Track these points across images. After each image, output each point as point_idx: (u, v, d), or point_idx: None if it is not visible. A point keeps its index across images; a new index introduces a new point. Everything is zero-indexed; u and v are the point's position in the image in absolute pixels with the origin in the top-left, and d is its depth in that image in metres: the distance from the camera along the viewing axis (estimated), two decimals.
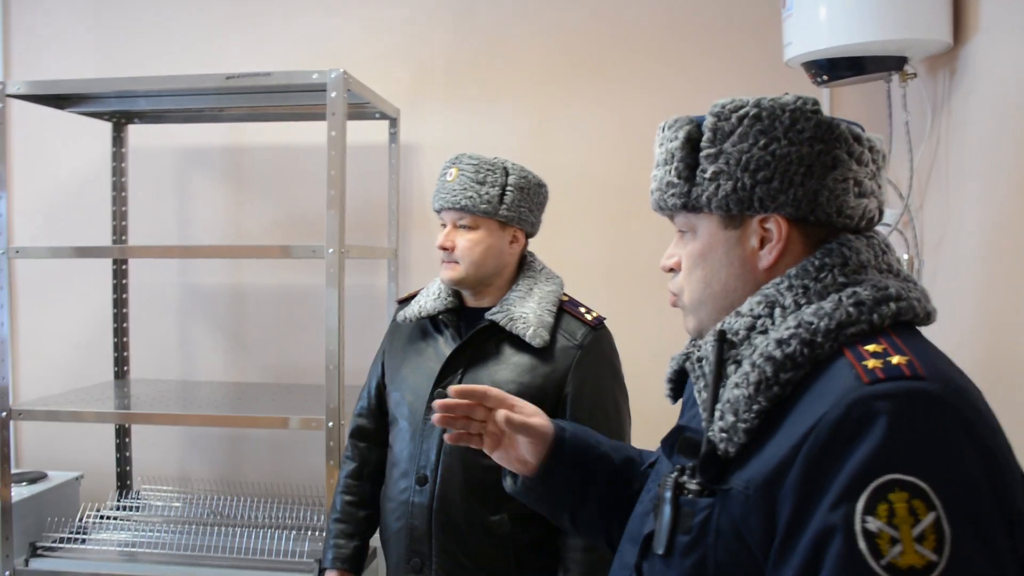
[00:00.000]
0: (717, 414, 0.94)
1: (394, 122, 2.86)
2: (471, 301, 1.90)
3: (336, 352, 2.28)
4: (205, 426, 2.87)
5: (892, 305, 0.92)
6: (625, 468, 1.30)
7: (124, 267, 2.99)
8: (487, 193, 1.80)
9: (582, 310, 1.86)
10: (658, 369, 2.64)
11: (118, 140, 2.97)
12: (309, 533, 2.55)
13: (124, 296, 2.99)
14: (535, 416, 1.28)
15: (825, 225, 0.99)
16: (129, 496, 2.91)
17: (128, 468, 2.98)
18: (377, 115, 2.81)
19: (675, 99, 2.81)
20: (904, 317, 0.92)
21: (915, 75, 2.32)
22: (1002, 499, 0.81)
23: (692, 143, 1.04)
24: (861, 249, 0.97)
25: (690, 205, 1.04)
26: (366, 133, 2.86)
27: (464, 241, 1.82)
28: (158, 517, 2.77)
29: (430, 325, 1.92)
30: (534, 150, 2.80)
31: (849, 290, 0.93)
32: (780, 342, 0.91)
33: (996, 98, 2.02)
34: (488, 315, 1.81)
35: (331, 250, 2.29)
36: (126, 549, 2.56)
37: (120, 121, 2.96)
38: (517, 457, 1.29)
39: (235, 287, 3.04)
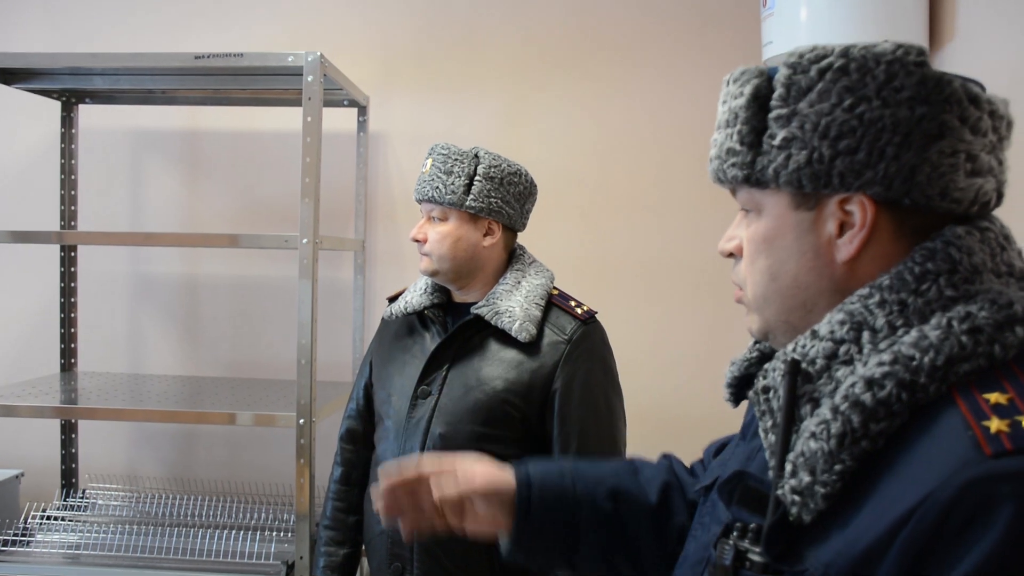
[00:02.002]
0: (789, 467, 0.77)
1: (363, 110, 2.78)
2: (458, 296, 1.84)
3: (309, 346, 2.20)
4: (156, 422, 2.74)
5: (1019, 330, 0.73)
6: (616, 506, 1.13)
7: (73, 254, 2.84)
8: (452, 184, 1.74)
9: (572, 304, 1.81)
10: (639, 366, 2.69)
11: (68, 120, 2.82)
12: (275, 534, 2.46)
13: (72, 285, 2.84)
14: (484, 476, 1.11)
15: (924, 211, 0.78)
16: (75, 495, 2.77)
17: (73, 465, 2.83)
18: (346, 102, 2.73)
19: (650, 95, 2.79)
20: None
21: None
22: None
23: (760, 101, 0.83)
24: (974, 248, 0.76)
25: (754, 178, 0.84)
26: (333, 121, 2.77)
27: (434, 233, 1.77)
28: (106, 517, 2.63)
29: (417, 321, 1.86)
30: (506, 144, 2.74)
31: (960, 309, 0.74)
32: (871, 382, 0.73)
33: None
34: (473, 309, 1.75)
35: (305, 240, 2.20)
36: (73, 551, 2.42)
37: (70, 100, 2.81)
38: (487, 520, 1.13)
39: (189, 278, 2.92)
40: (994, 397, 0.69)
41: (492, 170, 1.76)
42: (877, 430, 0.73)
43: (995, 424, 0.67)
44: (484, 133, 2.79)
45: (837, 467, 0.73)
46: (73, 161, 2.83)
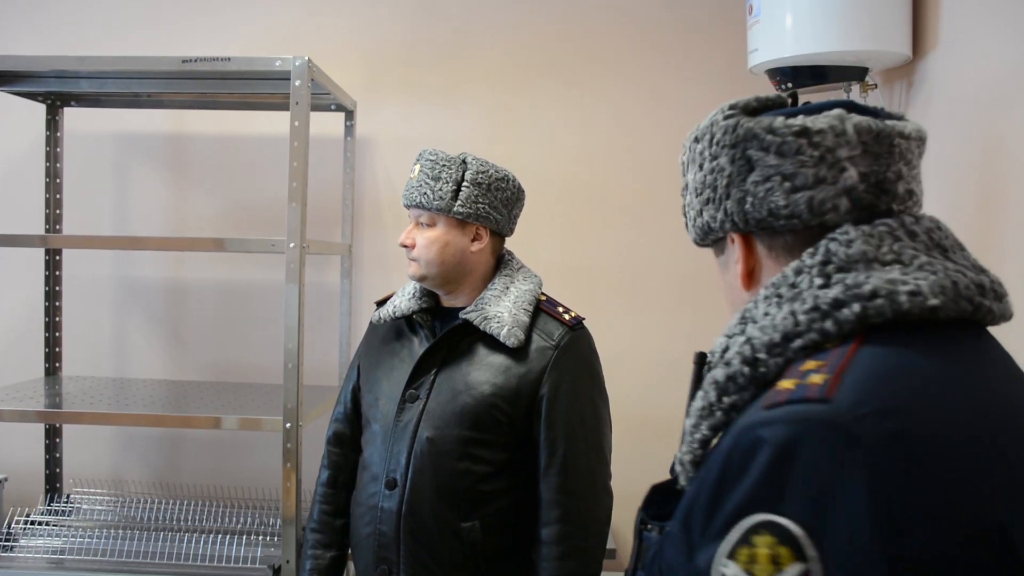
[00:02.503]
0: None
1: (350, 114, 2.79)
2: (446, 301, 1.85)
3: (296, 351, 2.20)
4: (142, 426, 2.73)
5: (855, 307, 0.78)
6: None
7: (58, 258, 2.83)
8: (440, 189, 1.74)
9: (560, 310, 1.82)
10: (625, 371, 2.70)
11: (53, 123, 2.80)
12: (261, 538, 2.45)
13: (57, 289, 2.83)
14: None
15: (779, 232, 0.88)
16: (59, 500, 2.75)
17: (58, 470, 2.82)
18: (333, 107, 2.73)
19: (635, 103, 2.82)
20: (876, 318, 0.77)
21: (875, 86, 2.37)
22: (907, 560, 0.66)
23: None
24: (855, 241, 0.82)
25: (698, 241, 1.03)
26: (321, 125, 2.77)
27: (422, 239, 1.78)
28: (91, 522, 2.62)
29: (405, 326, 1.86)
30: (493, 149, 2.73)
31: (817, 292, 0.81)
32: (727, 362, 0.84)
33: (952, 111, 2.08)
34: (462, 314, 1.76)
35: (292, 245, 2.20)
36: (57, 556, 2.41)
37: (55, 103, 2.80)
38: None
39: (174, 282, 2.91)
40: (811, 364, 0.77)
41: (480, 176, 1.76)
42: (728, 403, 0.83)
43: (787, 383, 0.76)
44: (471, 138, 2.80)
45: (698, 436, 0.85)
46: (58, 164, 2.81)
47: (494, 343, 1.75)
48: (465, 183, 1.75)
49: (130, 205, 2.91)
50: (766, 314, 0.84)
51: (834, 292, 0.79)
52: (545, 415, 1.72)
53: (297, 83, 2.21)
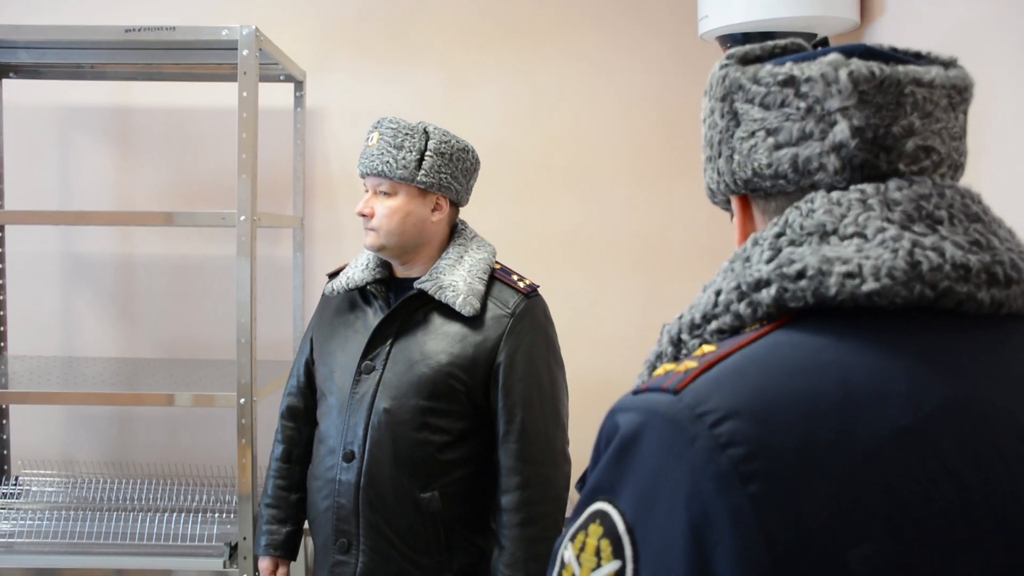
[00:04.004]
0: None
1: (300, 85, 2.74)
2: (400, 271, 1.84)
3: (248, 325, 2.17)
4: (92, 405, 2.68)
5: (773, 288, 0.70)
6: None
7: (0, 234, 2.75)
8: (404, 158, 1.73)
9: (514, 278, 1.83)
10: (580, 338, 2.71)
11: None
12: (217, 516, 2.43)
13: (0, 266, 2.75)
14: None
15: (770, 193, 0.79)
16: (7, 483, 2.70)
17: (5, 452, 2.76)
18: (282, 77, 2.69)
19: (589, 67, 2.81)
20: (792, 303, 0.69)
21: None
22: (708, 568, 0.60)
23: None
24: (816, 210, 0.73)
25: (711, 200, 0.92)
26: (270, 96, 2.72)
27: (382, 208, 1.75)
28: (41, 504, 2.57)
29: (359, 297, 1.84)
30: (447, 118, 2.72)
31: (754, 268, 0.73)
32: (660, 338, 0.80)
33: None
34: (417, 284, 1.75)
35: (243, 218, 2.16)
36: (6, 540, 2.36)
37: None
38: None
39: (123, 257, 2.85)
40: (701, 350, 0.72)
41: (443, 146, 1.76)
42: None
43: (661, 370, 0.71)
44: (422, 108, 2.77)
45: None
46: None
47: (449, 312, 1.75)
48: (428, 152, 1.74)
49: (75, 179, 2.84)
50: (716, 285, 0.77)
51: (765, 270, 0.71)
52: (502, 383, 1.73)
53: (244, 53, 2.16)
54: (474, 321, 1.75)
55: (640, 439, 0.65)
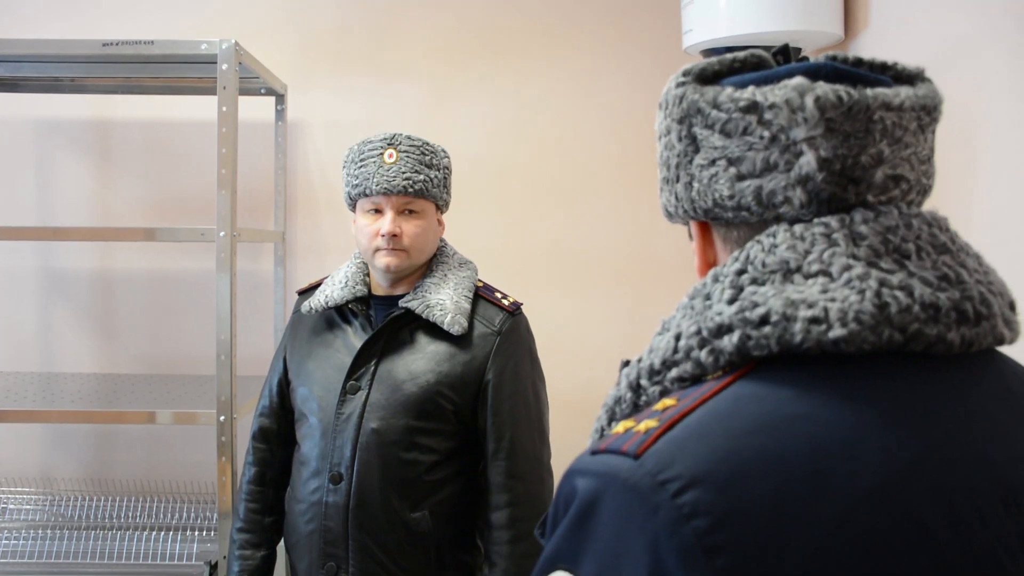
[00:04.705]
0: None
1: (281, 98, 2.72)
2: (381, 289, 1.80)
3: (228, 341, 2.14)
4: (72, 423, 2.64)
5: (735, 335, 0.66)
6: None
7: None
8: (435, 177, 1.73)
9: (498, 295, 1.82)
10: (563, 351, 2.70)
11: None
12: (197, 534, 2.40)
13: None
14: None
15: (733, 223, 0.75)
16: None
17: None
18: (263, 91, 2.66)
19: (571, 83, 2.80)
20: (756, 351, 0.65)
21: None
22: None
23: None
24: (779, 246, 0.69)
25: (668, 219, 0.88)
26: (250, 110, 2.70)
27: (412, 227, 1.72)
28: (19, 523, 2.54)
29: (336, 315, 1.81)
30: (430, 131, 2.68)
31: (716, 310, 0.69)
32: (619, 381, 0.76)
33: None
34: (403, 302, 1.73)
35: (222, 233, 2.14)
36: None
37: None
38: None
39: (101, 272, 2.81)
40: (666, 403, 0.67)
41: (448, 161, 1.80)
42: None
43: (622, 426, 0.66)
44: (405, 121, 2.75)
45: None
46: None
47: (434, 331, 1.73)
48: (445, 169, 1.78)
49: (53, 193, 2.80)
50: (677, 326, 0.72)
51: (727, 313, 0.67)
52: (491, 401, 1.73)
53: (224, 67, 2.14)
54: (460, 340, 1.73)
55: (599, 507, 0.62)
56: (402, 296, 1.76)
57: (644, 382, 0.72)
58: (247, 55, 2.26)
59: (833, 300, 0.63)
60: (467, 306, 1.74)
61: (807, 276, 0.66)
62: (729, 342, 0.66)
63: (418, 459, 1.69)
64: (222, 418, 2.13)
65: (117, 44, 2.13)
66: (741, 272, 0.69)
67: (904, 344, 0.64)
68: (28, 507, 2.63)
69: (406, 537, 1.68)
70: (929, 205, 0.77)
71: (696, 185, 0.75)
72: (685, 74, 0.77)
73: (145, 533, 2.35)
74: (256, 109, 2.72)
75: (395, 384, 1.70)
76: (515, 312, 1.81)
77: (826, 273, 0.66)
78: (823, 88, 0.68)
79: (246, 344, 2.60)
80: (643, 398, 0.72)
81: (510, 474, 1.71)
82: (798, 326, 0.63)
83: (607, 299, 2.80)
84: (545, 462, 1.79)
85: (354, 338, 1.76)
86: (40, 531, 2.44)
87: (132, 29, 2.72)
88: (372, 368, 1.72)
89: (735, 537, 0.57)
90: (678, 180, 0.77)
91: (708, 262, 0.79)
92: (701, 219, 0.78)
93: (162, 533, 2.36)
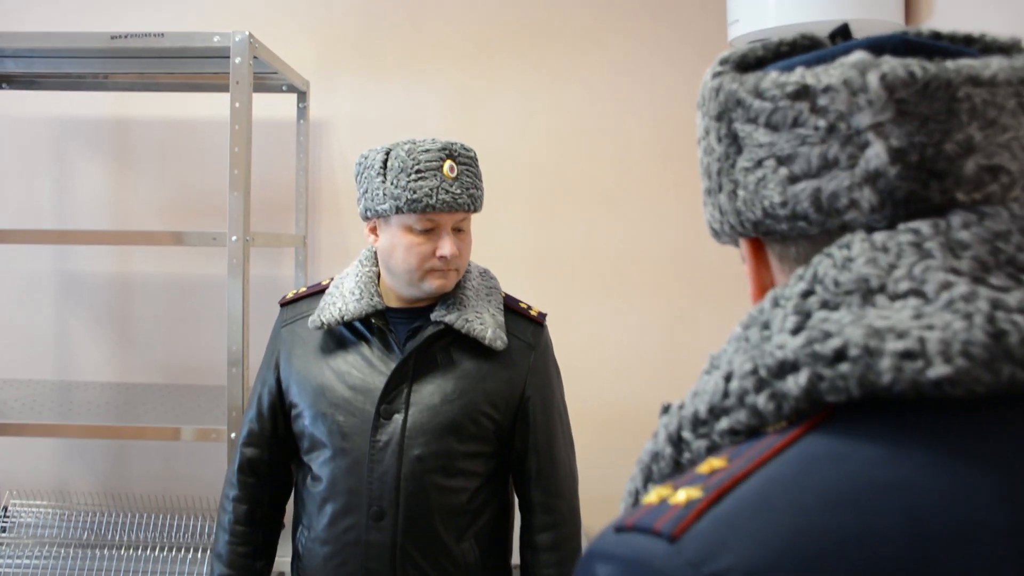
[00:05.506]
0: None
1: (303, 96, 2.59)
2: (398, 301, 1.63)
3: (240, 352, 2.02)
4: (90, 438, 2.53)
5: (802, 376, 0.52)
6: None
7: None
8: (482, 188, 1.60)
9: (524, 306, 1.69)
10: (600, 363, 2.55)
11: None
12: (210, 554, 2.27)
13: None
14: None
15: (788, 237, 0.62)
16: None
17: None
18: (284, 87, 2.54)
19: (611, 75, 2.64)
20: (832, 396, 0.51)
21: None
22: None
23: None
24: (855, 259, 0.55)
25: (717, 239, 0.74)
26: (271, 107, 2.59)
27: (464, 246, 1.58)
28: (32, 539, 2.44)
29: (346, 330, 1.62)
30: (460, 129, 2.58)
31: (778, 342, 0.55)
32: (656, 432, 0.62)
33: None
34: (438, 317, 1.56)
35: (234, 238, 2.02)
36: None
37: None
38: None
39: (121, 277, 2.71)
40: (712, 463, 0.53)
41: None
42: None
43: (653, 496, 0.52)
44: (434, 120, 2.62)
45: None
46: None
47: (469, 346, 1.59)
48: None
49: (70, 193, 2.71)
50: (729, 364, 0.58)
51: (792, 346, 0.53)
52: (532, 418, 1.62)
53: (237, 60, 2.02)
54: (497, 355, 1.60)
55: None
56: (425, 309, 1.60)
57: (687, 434, 0.58)
58: (264, 48, 2.13)
59: (931, 328, 0.49)
60: (502, 319, 1.62)
61: (893, 297, 0.52)
62: (795, 384, 0.52)
63: (463, 486, 1.57)
64: (233, 435, 2.01)
65: (126, 37, 2.02)
66: (807, 294, 0.55)
67: None
68: (42, 521, 2.53)
69: (453, 571, 1.56)
70: None
71: (741, 193, 0.62)
72: (722, 62, 0.64)
73: (162, 553, 2.24)
74: (277, 107, 2.61)
75: (433, 406, 1.55)
76: (542, 323, 1.69)
77: (919, 293, 0.52)
78: (890, 63, 0.55)
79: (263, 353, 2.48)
80: (686, 455, 0.58)
81: (554, 493, 1.63)
82: (886, 363, 0.49)
83: (648, 309, 2.63)
84: (576, 476, 1.71)
85: (376, 356, 1.59)
86: (53, 548, 2.34)
87: (148, 22, 2.61)
88: (405, 391, 1.56)
89: None
90: (720, 189, 0.64)
91: (763, 287, 0.65)
92: (751, 235, 0.64)
93: (179, 552, 2.25)
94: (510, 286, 1.73)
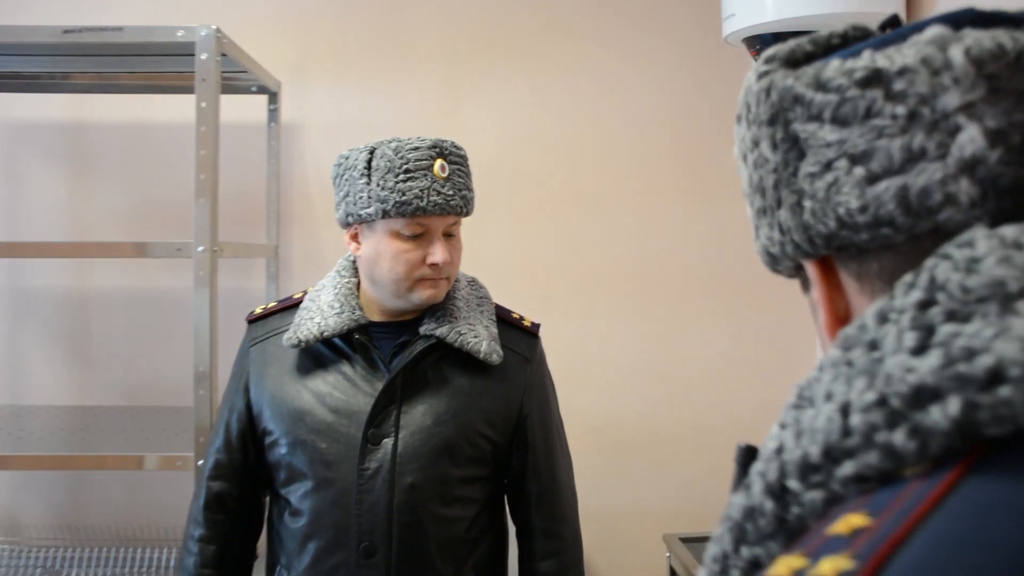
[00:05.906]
0: None
1: (274, 97, 2.46)
2: (381, 315, 1.49)
3: (208, 371, 1.87)
4: (45, 469, 2.35)
5: (953, 404, 0.42)
6: None
7: None
8: (473, 191, 1.48)
9: (516, 316, 1.58)
10: (588, 375, 2.44)
11: None
12: None
13: None
14: None
15: (868, 250, 0.53)
16: None
17: None
18: (254, 88, 2.41)
19: (595, 76, 2.55)
20: (993, 428, 0.41)
21: None
22: None
23: None
24: (983, 258, 0.46)
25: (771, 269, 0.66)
26: (240, 110, 2.45)
27: (455, 252, 1.46)
28: None
29: (324, 348, 1.48)
30: (439, 133, 2.44)
31: (903, 364, 0.44)
32: (749, 483, 0.52)
33: None
34: (427, 330, 1.43)
35: (201, 248, 1.87)
36: None
37: None
38: None
39: (79, 292, 2.55)
40: (844, 523, 0.42)
41: None
42: (749, 557, 0.50)
43: (781, 567, 0.42)
44: (413, 122, 2.50)
45: None
46: None
47: (461, 361, 1.46)
48: None
49: (20, 204, 2.54)
50: (828, 396, 0.48)
51: (925, 369, 0.43)
52: (530, 438, 1.52)
53: (203, 57, 1.88)
54: (492, 370, 1.48)
55: None
56: (411, 323, 1.47)
57: (794, 484, 0.47)
58: (232, 45, 2.00)
59: None
60: (496, 331, 1.50)
61: None
62: (943, 416, 0.42)
63: (460, 514, 1.45)
64: (200, 463, 1.85)
65: (81, 31, 1.87)
66: (926, 304, 0.46)
67: None
68: None
69: None
70: None
71: (808, 204, 0.54)
72: (768, 61, 0.57)
73: None
74: (247, 109, 2.48)
75: (426, 428, 1.42)
76: (536, 334, 1.59)
77: None
78: (973, 36, 0.48)
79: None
80: (794, 509, 0.47)
81: (558, 518, 1.54)
82: None
83: (634, 318, 2.55)
84: (575, 493, 1.62)
85: (359, 375, 1.45)
86: None
87: (108, 18, 2.46)
88: (394, 413, 1.42)
89: None
90: (780, 204, 0.56)
91: (839, 316, 0.56)
92: (820, 254, 0.56)
93: None
94: (495, 295, 1.61)
